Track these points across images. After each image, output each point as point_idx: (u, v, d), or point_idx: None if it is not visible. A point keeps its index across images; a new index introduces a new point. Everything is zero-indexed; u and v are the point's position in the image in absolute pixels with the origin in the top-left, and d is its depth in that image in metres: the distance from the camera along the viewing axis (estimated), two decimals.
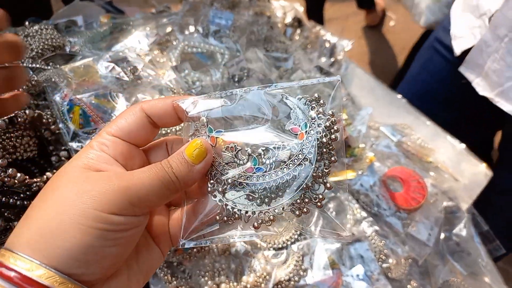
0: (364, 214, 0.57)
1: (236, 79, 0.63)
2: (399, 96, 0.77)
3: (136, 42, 0.63)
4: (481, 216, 0.66)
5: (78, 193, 0.23)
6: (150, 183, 0.25)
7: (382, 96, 0.80)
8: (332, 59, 0.84)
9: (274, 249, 0.53)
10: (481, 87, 0.73)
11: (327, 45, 0.84)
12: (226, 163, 0.28)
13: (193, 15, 0.67)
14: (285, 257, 0.52)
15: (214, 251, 0.52)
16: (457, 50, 0.76)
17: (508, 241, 0.66)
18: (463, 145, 0.66)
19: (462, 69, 0.75)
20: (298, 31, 0.91)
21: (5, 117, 0.43)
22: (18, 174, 0.40)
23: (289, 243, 0.53)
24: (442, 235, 0.62)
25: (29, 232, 0.23)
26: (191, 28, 0.66)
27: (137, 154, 0.29)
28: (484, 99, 0.71)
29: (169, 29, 0.66)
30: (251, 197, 0.27)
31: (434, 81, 0.87)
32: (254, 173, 0.28)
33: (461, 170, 0.67)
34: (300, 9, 0.95)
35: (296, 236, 0.54)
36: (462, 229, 0.63)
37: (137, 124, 0.28)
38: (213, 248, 0.53)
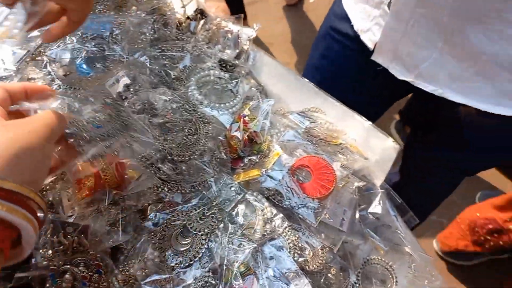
0: (274, 211, 0.55)
1: (123, 97, 0.58)
2: (306, 80, 0.76)
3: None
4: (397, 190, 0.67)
5: None
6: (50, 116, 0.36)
7: (292, 82, 0.78)
8: (237, 50, 0.80)
9: (179, 269, 0.50)
10: (398, 72, 0.73)
11: (230, 35, 0.81)
12: None
13: None
14: (193, 276, 0.49)
15: None
16: (369, 44, 0.75)
17: (422, 209, 0.67)
18: (369, 122, 0.66)
19: (375, 57, 0.74)
20: (202, 23, 0.86)
21: None
22: None
23: (196, 259, 0.50)
24: (358, 215, 0.62)
25: None
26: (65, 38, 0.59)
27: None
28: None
29: (39, 42, 0.59)
30: None
31: (337, 69, 0.87)
32: None
33: (371, 147, 0.67)
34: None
35: (203, 249, 0.51)
36: (377, 206, 0.64)
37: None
38: None
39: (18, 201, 0.29)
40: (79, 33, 0.60)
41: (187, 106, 0.61)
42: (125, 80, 0.60)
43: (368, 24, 0.74)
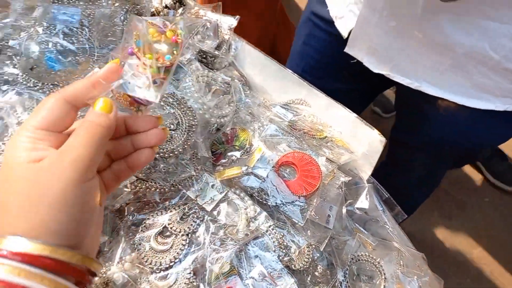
0: (258, 209, 0.53)
1: None
2: (290, 71, 0.73)
3: None
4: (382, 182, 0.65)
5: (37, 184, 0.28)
6: (87, 142, 0.30)
7: (275, 73, 0.75)
8: (218, 40, 0.77)
9: (161, 270, 0.47)
10: (373, 65, 0.71)
11: (209, 25, 0.77)
12: None
13: (30, 15, 0.56)
14: (174, 278, 0.47)
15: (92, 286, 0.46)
16: (343, 32, 0.73)
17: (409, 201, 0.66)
18: (354, 114, 0.64)
19: (348, 50, 0.72)
20: (180, 12, 0.82)
21: None
22: None
23: (176, 260, 0.48)
24: (345, 211, 0.60)
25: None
26: (30, 30, 0.55)
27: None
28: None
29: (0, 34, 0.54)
30: None
31: (320, 56, 0.84)
32: None
33: (357, 140, 0.65)
34: None
35: (184, 251, 0.48)
36: (364, 201, 0.62)
37: (62, 115, 0.31)
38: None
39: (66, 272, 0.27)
40: (46, 24, 0.56)
41: (170, 99, 0.58)
42: None
43: (342, 11, 0.71)
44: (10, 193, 0.27)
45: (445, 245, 1.51)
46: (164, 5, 0.81)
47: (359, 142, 0.65)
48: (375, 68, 0.70)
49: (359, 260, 0.58)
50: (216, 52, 0.75)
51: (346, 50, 0.72)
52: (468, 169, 1.72)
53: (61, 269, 0.26)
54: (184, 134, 0.56)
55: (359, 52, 0.71)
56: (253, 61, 0.79)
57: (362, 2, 0.64)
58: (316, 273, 0.54)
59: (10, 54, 0.55)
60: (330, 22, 0.77)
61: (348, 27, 0.71)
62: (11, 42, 0.54)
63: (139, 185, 0.52)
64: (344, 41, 0.74)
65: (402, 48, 0.65)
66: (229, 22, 0.80)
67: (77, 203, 0.28)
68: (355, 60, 0.72)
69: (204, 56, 0.73)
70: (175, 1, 0.83)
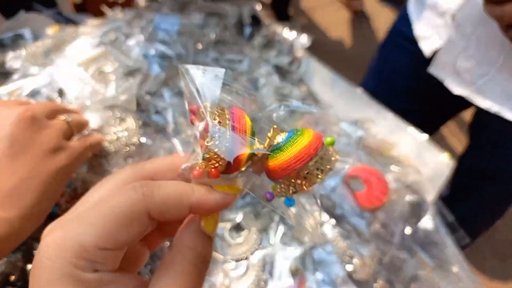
0: (326, 216, 0.56)
1: None
2: (359, 90, 0.76)
3: (77, 52, 0.59)
4: (448, 206, 0.65)
5: None
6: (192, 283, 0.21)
7: (343, 91, 0.79)
8: (291, 58, 0.82)
9: (233, 261, 0.51)
10: (454, 86, 0.72)
11: (285, 43, 0.82)
12: None
13: (138, 22, 0.64)
14: (245, 269, 0.51)
15: None
16: (427, 52, 0.75)
17: (473, 227, 0.65)
18: (425, 136, 0.66)
19: (433, 70, 0.74)
20: (257, 30, 0.89)
21: None
22: None
23: (249, 253, 0.51)
24: (408, 230, 0.61)
25: None
26: (137, 36, 0.63)
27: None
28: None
29: (113, 37, 0.62)
30: None
31: (396, 75, 0.86)
32: None
33: (424, 161, 0.66)
34: (258, 7, 0.93)
35: (256, 246, 0.52)
36: (427, 222, 0.62)
37: (140, 235, 0.21)
38: None
39: None
40: (149, 31, 0.63)
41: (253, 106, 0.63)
42: None
43: (429, 32, 0.74)
44: None
45: (497, 285, 1.43)
46: (243, 22, 0.88)
47: (426, 163, 0.66)
48: (455, 89, 0.72)
49: (418, 280, 0.58)
50: (289, 68, 0.80)
51: (430, 70, 0.74)
52: None
53: None
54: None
55: (442, 71, 0.73)
56: (322, 79, 0.83)
57: (451, 26, 0.67)
58: (377, 286, 0.55)
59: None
60: (411, 41, 0.80)
61: (432, 47, 0.74)
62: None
63: None
64: (425, 61, 0.76)
65: (485, 72, 0.66)
66: (303, 40, 0.85)
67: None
68: (435, 81, 0.74)
69: (278, 70, 0.78)
70: (252, 20, 0.89)
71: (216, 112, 0.24)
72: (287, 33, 0.85)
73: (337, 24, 2.34)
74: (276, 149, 0.25)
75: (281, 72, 0.78)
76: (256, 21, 0.90)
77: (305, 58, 0.86)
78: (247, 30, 0.88)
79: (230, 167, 0.23)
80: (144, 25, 0.64)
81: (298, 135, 0.25)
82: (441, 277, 0.60)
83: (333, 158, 0.26)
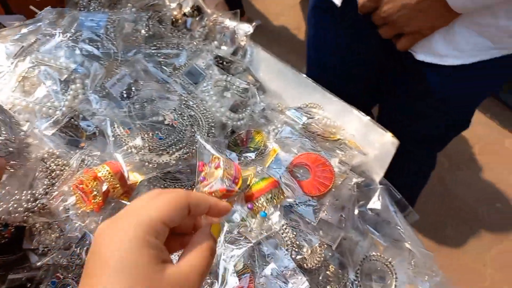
0: (271, 208, 0.55)
1: (125, 96, 0.57)
2: (304, 75, 0.75)
3: None
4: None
5: None
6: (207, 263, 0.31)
7: (290, 78, 0.77)
8: (234, 47, 0.80)
9: None
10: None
11: (227, 32, 0.80)
12: None
13: (60, 21, 0.60)
14: None
15: None
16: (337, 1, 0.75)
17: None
18: (368, 117, 0.66)
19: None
20: (198, 19, 0.85)
21: None
22: None
23: None
24: (358, 211, 0.62)
25: None
26: (58, 37, 0.59)
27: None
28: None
29: (33, 39, 0.58)
30: None
31: (330, 40, 0.87)
32: None
33: (370, 142, 0.66)
34: None
35: None
36: (376, 202, 0.63)
37: (182, 220, 0.31)
38: None
39: None
40: (73, 30, 0.59)
41: (190, 102, 0.60)
42: (127, 80, 0.59)
43: None
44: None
45: (459, 249, 1.49)
46: (183, 13, 0.84)
47: (372, 144, 0.66)
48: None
49: (370, 260, 0.59)
50: (232, 58, 0.77)
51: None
52: (477, 176, 1.71)
53: None
54: (204, 135, 0.58)
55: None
56: (268, 67, 0.81)
57: None
58: (328, 273, 0.56)
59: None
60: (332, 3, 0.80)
61: None
62: (41, 49, 0.58)
63: (159, 186, 0.55)
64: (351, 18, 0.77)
65: None
66: (245, 29, 0.83)
67: None
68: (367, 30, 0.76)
69: (221, 61, 0.75)
70: (193, 9, 0.86)
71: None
72: (229, 22, 0.82)
73: (288, 8, 2.34)
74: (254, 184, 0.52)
75: (224, 63, 0.75)
76: (198, 11, 0.87)
77: (250, 47, 0.84)
78: (189, 21, 0.85)
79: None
80: (67, 24, 0.59)
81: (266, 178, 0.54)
82: (394, 255, 0.61)
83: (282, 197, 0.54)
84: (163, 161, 0.54)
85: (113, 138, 0.54)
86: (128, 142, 0.53)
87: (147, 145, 0.56)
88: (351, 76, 0.92)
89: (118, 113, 0.53)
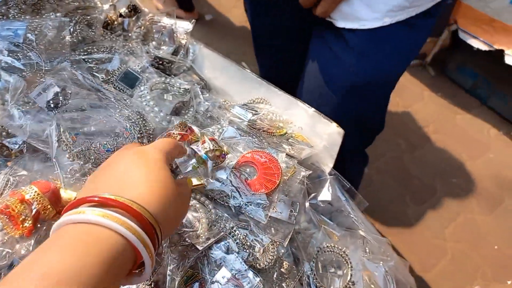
0: (219, 212, 0.53)
1: (52, 106, 0.53)
2: (249, 71, 0.73)
3: None
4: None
5: None
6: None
7: (235, 74, 0.76)
8: (174, 46, 0.77)
9: None
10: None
11: (164, 30, 0.77)
12: None
13: None
14: None
15: None
16: None
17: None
18: (312, 109, 0.65)
19: None
20: (135, 19, 0.82)
21: None
22: None
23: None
24: (308, 204, 0.61)
25: None
26: None
27: None
28: None
29: None
30: None
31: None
32: None
33: (318, 133, 0.66)
34: None
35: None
36: (326, 193, 0.63)
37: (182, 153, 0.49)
38: None
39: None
40: None
41: (125, 111, 0.57)
42: (55, 89, 0.55)
43: None
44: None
45: (421, 226, 1.55)
46: (118, 13, 0.80)
47: (320, 135, 0.66)
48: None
49: (325, 251, 0.59)
50: (173, 58, 0.74)
51: None
52: (432, 154, 1.78)
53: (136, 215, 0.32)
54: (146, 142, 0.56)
55: None
56: (212, 64, 0.79)
57: None
58: (282, 270, 0.55)
59: None
60: None
61: None
62: None
63: None
64: None
65: None
66: (185, 26, 0.80)
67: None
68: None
69: (161, 62, 0.72)
70: (129, 9, 0.82)
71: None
72: (167, 20, 0.79)
73: (240, 0, 2.32)
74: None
75: (164, 63, 0.73)
76: (134, 10, 0.83)
77: (192, 45, 0.81)
78: (126, 22, 0.81)
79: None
80: None
81: None
82: (348, 244, 0.61)
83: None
84: None
85: (57, 144, 0.50)
86: (72, 149, 0.50)
87: (92, 157, 0.52)
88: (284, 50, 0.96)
89: (44, 126, 0.49)
